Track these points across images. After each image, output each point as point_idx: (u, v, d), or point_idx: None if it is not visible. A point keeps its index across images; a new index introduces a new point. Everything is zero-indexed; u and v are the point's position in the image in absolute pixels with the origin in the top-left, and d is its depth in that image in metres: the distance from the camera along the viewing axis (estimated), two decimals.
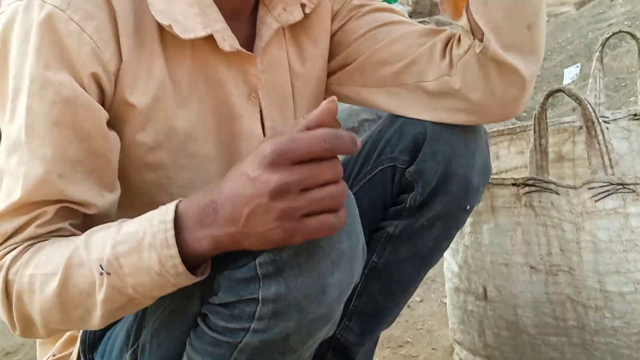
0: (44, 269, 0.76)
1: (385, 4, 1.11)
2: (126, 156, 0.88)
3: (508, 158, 1.56)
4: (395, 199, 1.09)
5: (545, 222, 1.24)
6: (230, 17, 0.92)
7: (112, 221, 0.79)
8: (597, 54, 1.65)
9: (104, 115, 0.83)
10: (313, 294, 0.72)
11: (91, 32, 0.81)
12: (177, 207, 0.71)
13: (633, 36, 1.72)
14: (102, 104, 0.84)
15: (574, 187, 1.21)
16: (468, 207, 1.08)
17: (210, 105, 0.93)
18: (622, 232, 1.19)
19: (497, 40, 0.96)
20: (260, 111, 0.98)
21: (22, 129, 0.80)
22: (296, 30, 1.03)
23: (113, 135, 0.85)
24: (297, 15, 0.99)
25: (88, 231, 0.77)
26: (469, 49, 0.99)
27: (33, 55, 0.79)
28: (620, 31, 1.76)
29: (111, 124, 0.86)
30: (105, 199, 0.85)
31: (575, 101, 1.24)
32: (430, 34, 1.05)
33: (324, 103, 0.67)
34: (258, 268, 0.72)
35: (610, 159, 1.21)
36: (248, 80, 0.95)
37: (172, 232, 0.69)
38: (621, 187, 1.19)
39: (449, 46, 1.02)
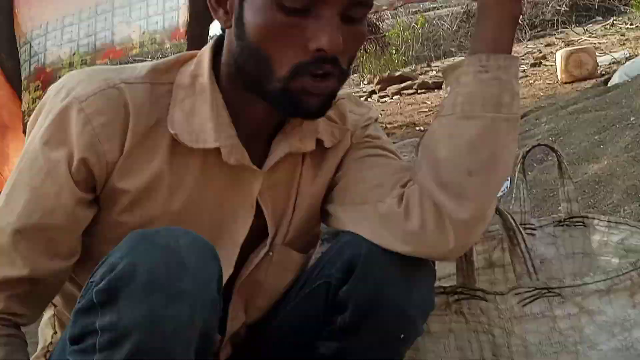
0: None
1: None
2: (111, 230, 0.99)
3: (441, 266, 1.59)
4: (329, 317, 1.08)
5: (476, 327, 1.27)
6: (249, 136, 1.01)
7: (62, 285, 1.00)
8: (519, 166, 1.75)
9: (75, 195, 0.95)
10: (144, 324, 0.77)
11: (96, 125, 0.93)
12: None
13: (552, 149, 1.83)
14: (92, 186, 0.97)
15: (501, 293, 1.25)
16: (402, 336, 1.07)
17: (208, 209, 1.02)
18: (552, 335, 1.23)
19: (434, 177, 0.99)
20: (255, 220, 1.06)
21: (11, 183, 0.97)
22: (316, 158, 1.11)
23: (83, 213, 0.97)
24: (309, 147, 1.07)
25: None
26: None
27: (43, 130, 0.95)
28: (539, 144, 1.87)
29: (101, 204, 0.99)
30: (54, 263, 0.97)
31: (495, 212, 1.30)
32: (409, 169, 1.08)
33: None
34: (94, 296, 0.79)
35: (533, 266, 1.26)
36: (251, 192, 1.04)
37: None
38: (546, 291, 1.24)
39: None
